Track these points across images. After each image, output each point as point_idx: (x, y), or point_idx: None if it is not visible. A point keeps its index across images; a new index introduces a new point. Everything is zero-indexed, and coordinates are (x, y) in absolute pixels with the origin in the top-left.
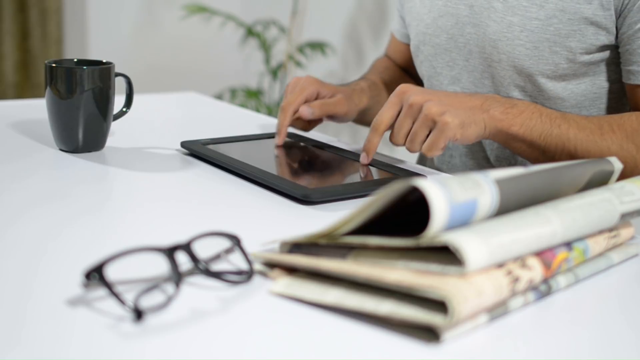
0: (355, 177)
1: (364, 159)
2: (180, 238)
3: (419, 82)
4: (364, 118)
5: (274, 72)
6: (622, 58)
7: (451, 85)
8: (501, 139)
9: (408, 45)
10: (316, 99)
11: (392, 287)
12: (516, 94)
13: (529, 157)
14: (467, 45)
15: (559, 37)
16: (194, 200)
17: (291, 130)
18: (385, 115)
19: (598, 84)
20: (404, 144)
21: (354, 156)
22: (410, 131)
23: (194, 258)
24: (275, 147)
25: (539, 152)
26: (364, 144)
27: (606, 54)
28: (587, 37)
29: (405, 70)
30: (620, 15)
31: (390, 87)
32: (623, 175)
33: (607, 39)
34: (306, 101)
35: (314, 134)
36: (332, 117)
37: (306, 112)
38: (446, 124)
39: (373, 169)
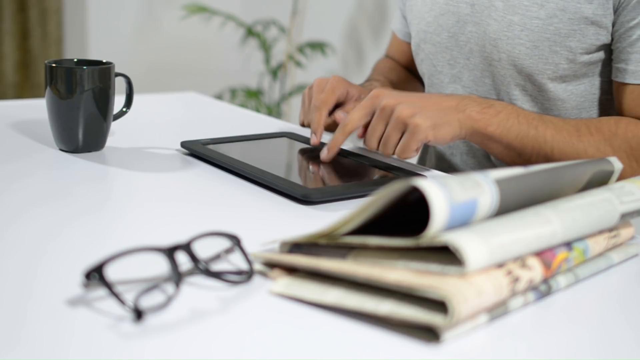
0: (355, 177)
1: (323, 154)
2: (180, 238)
3: (422, 81)
4: None
5: (274, 72)
6: (613, 55)
7: (452, 83)
8: (477, 140)
9: (410, 44)
10: (345, 98)
11: (392, 287)
12: (517, 93)
13: (505, 159)
14: (468, 44)
15: (559, 36)
16: (194, 200)
17: (291, 130)
18: (354, 115)
19: (597, 84)
20: (377, 148)
21: (354, 156)
22: (383, 135)
23: (194, 258)
24: (312, 145)
25: (515, 154)
26: (329, 141)
27: (606, 54)
28: (588, 37)
29: (408, 70)
30: (616, 12)
31: (398, 87)
32: None
33: (607, 38)
34: (337, 101)
35: None
36: None
37: (342, 118)
38: (417, 126)
39: (373, 169)
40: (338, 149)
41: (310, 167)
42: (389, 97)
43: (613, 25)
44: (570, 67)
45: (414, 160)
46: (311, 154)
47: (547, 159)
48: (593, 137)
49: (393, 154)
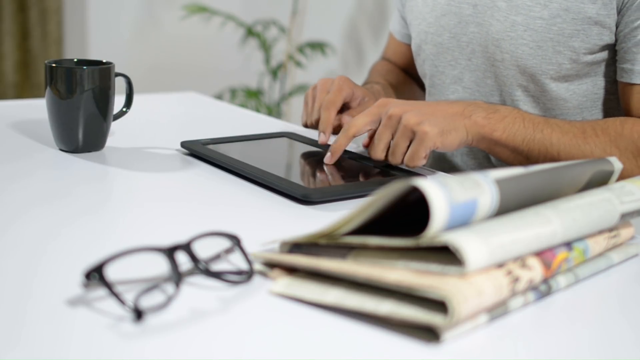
0: (355, 177)
1: (328, 158)
2: (180, 238)
3: (420, 83)
4: None
5: (274, 72)
6: (618, 56)
7: (453, 84)
8: (484, 145)
9: (409, 45)
10: (350, 99)
11: (392, 287)
12: (519, 93)
13: (513, 163)
14: (470, 45)
15: (563, 36)
16: (194, 200)
17: (291, 130)
18: (359, 120)
19: (600, 84)
20: (383, 158)
21: (354, 156)
22: (389, 144)
23: (194, 258)
24: (320, 144)
25: (522, 158)
26: (332, 145)
27: (609, 54)
28: (591, 37)
29: (406, 72)
30: (619, 12)
31: (397, 89)
32: None
33: (610, 38)
34: (344, 101)
35: (314, 134)
36: None
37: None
38: (425, 134)
39: (373, 169)
40: (341, 153)
41: (311, 167)
42: (395, 106)
43: (617, 26)
44: (573, 67)
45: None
46: (311, 154)
47: (554, 161)
48: (599, 139)
49: (401, 162)
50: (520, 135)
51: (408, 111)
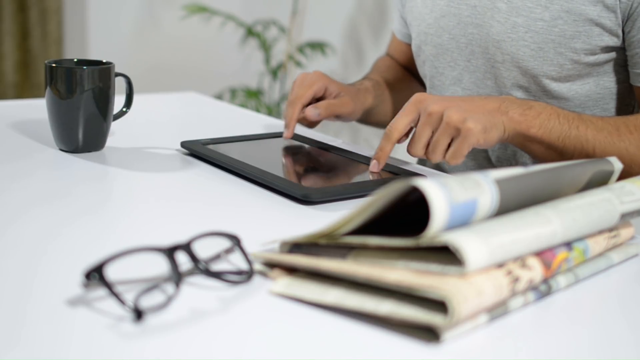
0: (355, 177)
1: (374, 167)
2: (180, 238)
3: (421, 80)
4: (368, 118)
5: (274, 72)
6: (631, 61)
7: (453, 85)
8: (519, 142)
9: (409, 44)
10: (323, 94)
11: (392, 287)
12: (519, 94)
13: (546, 159)
14: (469, 46)
15: (564, 38)
16: (194, 200)
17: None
18: (400, 122)
19: (602, 84)
20: (423, 155)
21: (354, 156)
22: (429, 141)
23: (194, 258)
24: (284, 139)
25: (556, 154)
26: (376, 152)
27: (610, 55)
28: (592, 39)
29: (407, 69)
30: (628, 19)
31: (393, 86)
32: None
33: (612, 40)
34: (314, 96)
35: (314, 134)
36: (337, 117)
37: (312, 113)
38: (469, 130)
39: None
40: (387, 159)
41: (310, 167)
42: (435, 102)
43: (626, 32)
44: (575, 68)
45: (414, 160)
46: (311, 154)
47: (589, 158)
48: (633, 136)
49: (442, 159)
50: (556, 132)
51: (449, 107)
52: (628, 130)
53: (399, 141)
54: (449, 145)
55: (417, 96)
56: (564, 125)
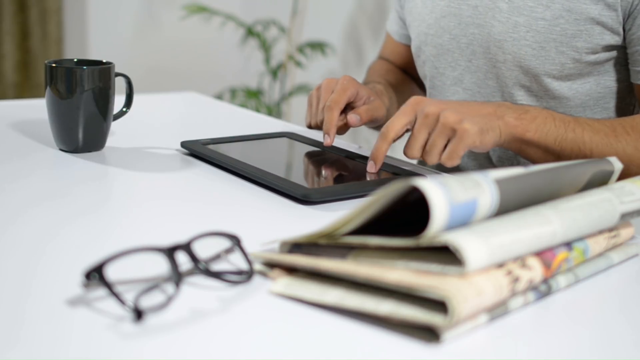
0: (355, 177)
1: (371, 167)
2: (180, 238)
3: (420, 83)
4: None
5: (274, 72)
6: (632, 59)
7: (453, 85)
8: (516, 146)
9: (407, 46)
10: (355, 99)
11: (392, 287)
12: (521, 93)
13: (544, 163)
14: (470, 46)
15: (566, 37)
16: (193, 200)
17: (291, 130)
18: (397, 123)
19: (603, 83)
20: (419, 156)
21: (354, 156)
22: (426, 142)
23: (194, 258)
24: (325, 146)
25: (554, 158)
26: (372, 152)
27: (612, 54)
28: (594, 37)
29: (405, 72)
30: (629, 16)
31: (396, 88)
32: None
33: (613, 39)
34: (348, 101)
35: (314, 134)
36: (372, 121)
37: (354, 119)
38: (466, 132)
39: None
40: (383, 159)
41: (310, 167)
42: (432, 104)
43: (627, 30)
44: (576, 67)
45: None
46: (311, 154)
47: None
48: (630, 137)
49: (438, 161)
50: (552, 135)
51: (445, 109)
52: (625, 131)
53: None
54: (446, 147)
55: (415, 98)
56: (560, 128)
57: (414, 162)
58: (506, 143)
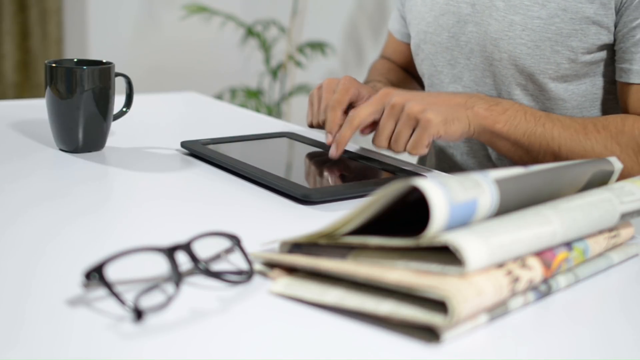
0: (355, 177)
1: (333, 151)
2: (180, 238)
3: (421, 82)
4: None
5: (274, 72)
6: (617, 56)
7: (452, 83)
8: (485, 137)
9: (408, 44)
10: (356, 99)
11: (392, 287)
12: (518, 92)
13: (513, 157)
14: (469, 44)
15: (561, 36)
16: (193, 200)
17: (291, 130)
18: (363, 111)
19: (598, 84)
20: (387, 147)
21: (354, 156)
22: (392, 133)
23: (194, 258)
24: (327, 144)
25: (522, 151)
26: (336, 137)
27: (607, 53)
28: (589, 37)
29: (406, 70)
30: (618, 12)
31: (397, 87)
32: None
33: (608, 38)
34: (350, 101)
35: (314, 134)
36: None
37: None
38: (428, 121)
39: (373, 169)
40: (346, 145)
41: (310, 167)
42: (398, 95)
43: (615, 26)
44: (572, 67)
45: (414, 160)
46: (311, 154)
47: (555, 156)
48: (600, 135)
49: (404, 150)
50: (522, 129)
51: (411, 100)
52: (596, 129)
53: (363, 132)
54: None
55: (383, 90)
56: (529, 122)
57: (414, 162)
58: (476, 134)
